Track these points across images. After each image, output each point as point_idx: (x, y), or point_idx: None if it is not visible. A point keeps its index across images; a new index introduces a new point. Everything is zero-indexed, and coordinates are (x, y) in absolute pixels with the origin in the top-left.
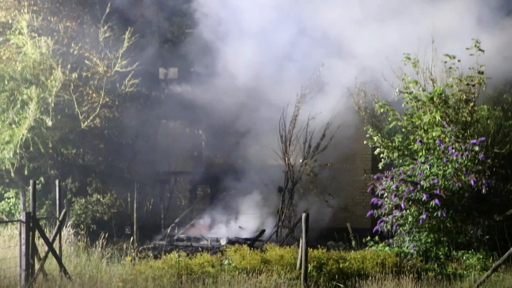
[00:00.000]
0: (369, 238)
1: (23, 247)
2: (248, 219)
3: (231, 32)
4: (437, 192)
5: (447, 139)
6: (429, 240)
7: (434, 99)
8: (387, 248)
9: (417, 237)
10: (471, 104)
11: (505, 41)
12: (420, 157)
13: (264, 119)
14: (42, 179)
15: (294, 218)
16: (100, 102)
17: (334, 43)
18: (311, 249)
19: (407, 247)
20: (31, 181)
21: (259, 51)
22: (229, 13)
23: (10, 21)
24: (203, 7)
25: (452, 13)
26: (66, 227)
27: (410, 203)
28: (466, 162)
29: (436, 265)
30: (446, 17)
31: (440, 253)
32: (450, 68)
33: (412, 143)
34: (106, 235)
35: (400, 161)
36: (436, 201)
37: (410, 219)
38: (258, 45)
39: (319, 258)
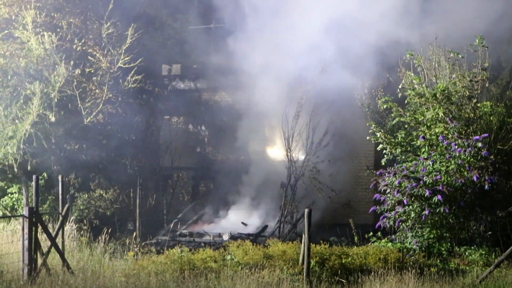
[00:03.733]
0: (371, 233)
1: (26, 242)
2: (251, 215)
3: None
4: (440, 188)
5: (450, 135)
6: (431, 236)
7: (437, 95)
8: (389, 244)
9: (419, 233)
10: (474, 100)
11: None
12: (423, 153)
13: (268, 115)
14: (45, 174)
15: (297, 214)
16: (103, 98)
17: (336, 40)
18: (314, 244)
19: (409, 243)
20: (34, 176)
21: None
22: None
23: (13, 17)
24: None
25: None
26: (69, 222)
27: (412, 199)
28: (469, 158)
29: (438, 261)
30: (451, 15)
31: (443, 249)
32: (454, 64)
33: (415, 139)
34: (109, 230)
35: (403, 157)
36: (439, 197)
37: (412, 215)
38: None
39: (322, 253)
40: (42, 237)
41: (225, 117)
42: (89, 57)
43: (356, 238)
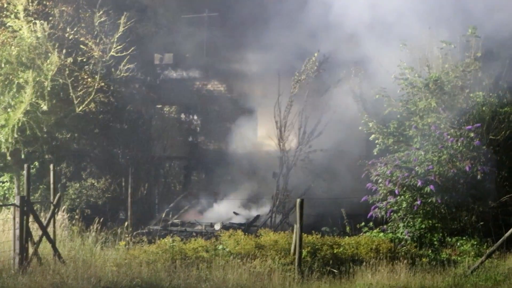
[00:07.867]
0: (363, 224)
1: (17, 231)
2: (242, 205)
3: None
4: (432, 178)
5: (442, 125)
6: (423, 226)
7: (430, 85)
8: (381, 234)
9: (411, 223)
10: (467, 90)
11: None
12: (415, 143)
13: (260, 104)
14: (36, 163)
15: (289, 204)
16: (95, 87)
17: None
18: (305, 234)
19: (401, 233)
20: (25, 165)
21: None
22: None
23: (5, 5)
24: None
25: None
26: (60, 211)
27: (404, 189)
28: (461, 148)
29: (430, 251)
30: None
31: (434, 239)
32: (446, 54)
33: (407, 129)
34: (101, 219)
35: (395, 147)
36: (431, 187)
37: (404, 205)
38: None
39: (313, 243)
40: (34, 226)
41: (218, 107)
42: (81, 46)
43: (348, 228)
